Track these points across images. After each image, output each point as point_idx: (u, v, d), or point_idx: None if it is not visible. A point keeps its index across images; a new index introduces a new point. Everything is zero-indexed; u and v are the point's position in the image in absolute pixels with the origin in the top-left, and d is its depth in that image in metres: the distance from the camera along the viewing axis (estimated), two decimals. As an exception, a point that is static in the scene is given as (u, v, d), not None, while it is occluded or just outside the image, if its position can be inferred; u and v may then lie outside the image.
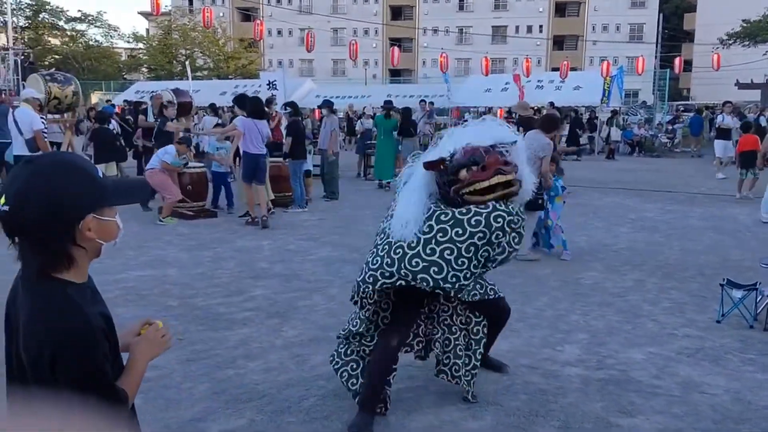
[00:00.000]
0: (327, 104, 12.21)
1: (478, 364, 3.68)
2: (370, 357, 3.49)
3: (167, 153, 9.29)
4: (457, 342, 3.69)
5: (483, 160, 3.06)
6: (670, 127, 24.25)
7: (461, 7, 55.22)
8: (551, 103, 21.66)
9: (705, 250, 7.61)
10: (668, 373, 4.08)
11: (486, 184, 3.04)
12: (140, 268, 6.55)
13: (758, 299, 5.02)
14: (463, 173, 3.10)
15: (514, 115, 23.88)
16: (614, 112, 23.07)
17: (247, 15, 53.39)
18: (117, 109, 18.58)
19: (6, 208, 1.36)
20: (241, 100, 9.82)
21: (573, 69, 25.51)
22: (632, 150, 22.63)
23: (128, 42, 48.35)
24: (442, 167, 3.15)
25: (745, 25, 30.99)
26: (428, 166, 3.17)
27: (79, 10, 61.25)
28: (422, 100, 19.66)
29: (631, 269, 6.68)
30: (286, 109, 10.98)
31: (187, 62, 21.01)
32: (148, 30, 55.44)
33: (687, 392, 3.81)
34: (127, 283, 6.01)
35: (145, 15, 59.74)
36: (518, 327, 4.88)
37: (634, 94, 39.78)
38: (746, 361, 4.28)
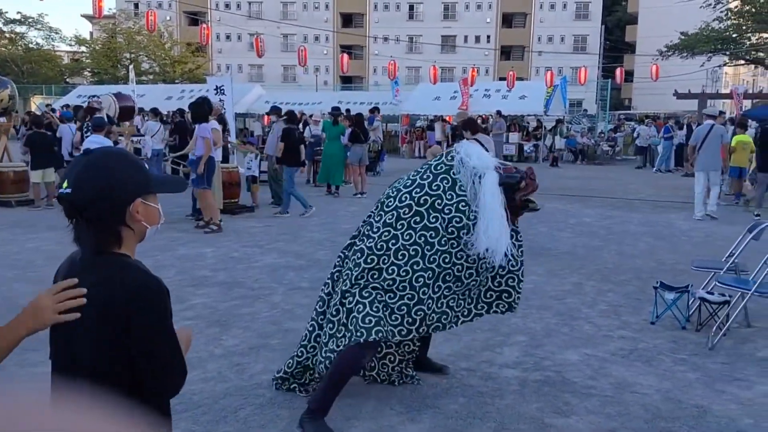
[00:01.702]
0: (275, 110, 12.16)
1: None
2: (338, 362, 3.37)
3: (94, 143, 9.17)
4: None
5: (524, 175, 3.73)
6: (612, 136, 24.97)
7: (411, 16, 55.75)
8: (498, 112, 22.07)
9: (641, 253, 7.85)
10: (602, 374, 4.18)
11: (531, 191, 3.77)
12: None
13: (690, 301, 5.20)
14: (523, 184, 3.69)
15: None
16: (558, 121, 23.64)
17: (195, 19, 52.60)
18: (57, 113, 17.97)
19: (69, 190, 1.57)
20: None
21: (519, 79, 26.03)
22: (575, 158, 23.21)
23: (70, 45, 46.99)
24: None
25: (683, 37, 32.22)
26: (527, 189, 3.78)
27: (19, 12, 59.36)
28: (374, 107, 19.79)
29: (571, 273, 6.83)
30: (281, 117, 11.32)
31: (130, 66, 20.58)
32: (91, 33, 54.01)
33: (620, 392, 3.91)
34: (61, 292, 5.80)
35: (89, 18, 58.20)
36: (459, 330, 4.90)
37: (577, 104, 40.84)
38: (678, 361, 4.42)
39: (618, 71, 25.75)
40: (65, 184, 1.58)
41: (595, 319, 5.32)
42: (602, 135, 25.83)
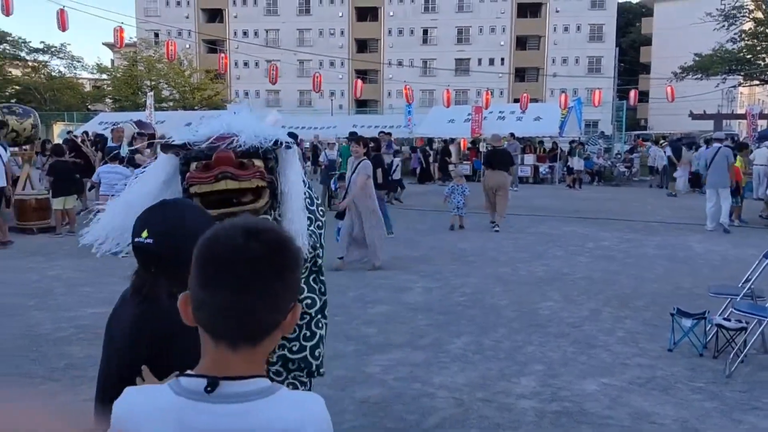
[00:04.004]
0: (291, 136, 12.32)
1: None
2: None
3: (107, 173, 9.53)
4: None
5: (210, 155, 2.22)
6: (628, 157, 24.89)
7: (425, 41, 56.25)
8: (512, 134, 22.12)
9: (659, 278, 7.79)
10: (620, 403, 4.16)
11: (207, 188, 2.20)
12: (98, 305, 6.42)
13: (707, 327, 5.16)
14: (193, 167, 2.25)
15: (484, 146, 24.31)
16: (580, 143, 23.60)
17: (213, 48, 53.48)
18: (78, 139, 18.31)
19: (150, 240, 1.61)
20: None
21: (534, 100, 26.14)
22: (592, 179, 23.13)
23: (92, 73, 47.93)
24: (179, 152, 2.36)
25: (697, 59, 32.20)
26: (164, 147, 2.42)
27: (42, 42, 60.67)
28: (381, 132, 19.92)
29: (588, 299, 6.80)
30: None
31: (147, 93, 20.97)
32: (113, 61, 55.10)
33: (638, 423, 3.88)
34: (82, 321, 5.89)
35: (110, 46, 59.43)
36: (475, 359, 4.92)
37: (593, 125, 40.78)
38: (695, 390, 4.38)
39: (633, 93, 25.75)
40: (144, 234, 1.62)
41: (612, 346, 5.29)
42: (618, 156, 25.75)
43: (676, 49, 41.19)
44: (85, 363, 4.68)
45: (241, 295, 1.05)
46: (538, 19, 55.18)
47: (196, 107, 40.75)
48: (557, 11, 53.90)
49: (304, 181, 2.50)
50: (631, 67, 56.79)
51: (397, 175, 17.11)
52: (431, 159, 23.77)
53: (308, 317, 2.60)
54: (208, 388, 1.05)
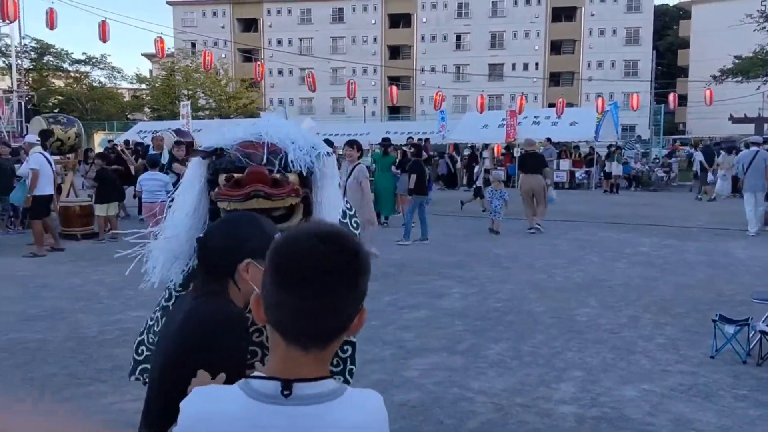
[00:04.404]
0: (327, 143, 12.45)
1: None
2: None
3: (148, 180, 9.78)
4: None
5: (243, 170, 2.07)
6: (666, 161, 24.48)
7: (458, 46, 56.22)
8: (548, 139, 21.95)
9: (699, 284, 7.66)
10: (661, 410, 4.11)
11: (238, 206, 2.04)
12: (140, 308, 6.58)
13: (750, 334, 5.07)
14: (221, 179, 2.11)
15: (516, 151, 24.16)
16: (617, 148, 23.29)
17: (249, 56, 54.29)
18: (119, 148, 18.80)
19: (200, 236, 1.78)
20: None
21: (569, 105, 25.88)
22: (629, 184, 22.81)
23: (131, 83, 49.09)
24: (214, 157, 2.18)
25: (737, 61, 31.52)
26: (196, 152, 2.26)
27: (84, 53, 62.38)
28: (410, 138, 20.00)
29: (626, 305, 6.72)
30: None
31: (181, 102, 21.39)
32: (151, 71, 56.32)
33: (679, 429, 3.84)
34: (126, 324, 6.05)
35: (149, 56, 60.77)
36: (513, 365, 4.92)
37: (630, 129, 40.21)
38: (738, 397, 4.31)
39: (671, 96, 25.32)
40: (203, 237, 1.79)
41: (652, 353, 5.23)
42: (656, 160, 25.34)
43: (714, 52, 40.34)
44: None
45: (318, 300, 1.09)
46: (573, 23, 54.69)
47: (231, 115, 41.41)
48: (592, 15, 53.36)
49: (339, 192, 2.36)
50: (669, 70, 55.81)
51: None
52: (458, 165, 23.78)
53: None
54: (285, 392, 1.09)
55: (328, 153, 2.24)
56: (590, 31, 53.99)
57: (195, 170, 2.22)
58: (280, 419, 1.09)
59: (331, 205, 2.25)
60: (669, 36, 59.35)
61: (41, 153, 10.08)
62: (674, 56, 57.05)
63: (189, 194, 2.19)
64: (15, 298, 7.15)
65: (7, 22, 18.22)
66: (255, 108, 45.00)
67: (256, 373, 1.15)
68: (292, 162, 2.09)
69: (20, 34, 21.72)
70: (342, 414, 1.11)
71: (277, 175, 2.08)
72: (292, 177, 2.11)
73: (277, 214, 2.10)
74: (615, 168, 21.65)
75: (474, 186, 17.61)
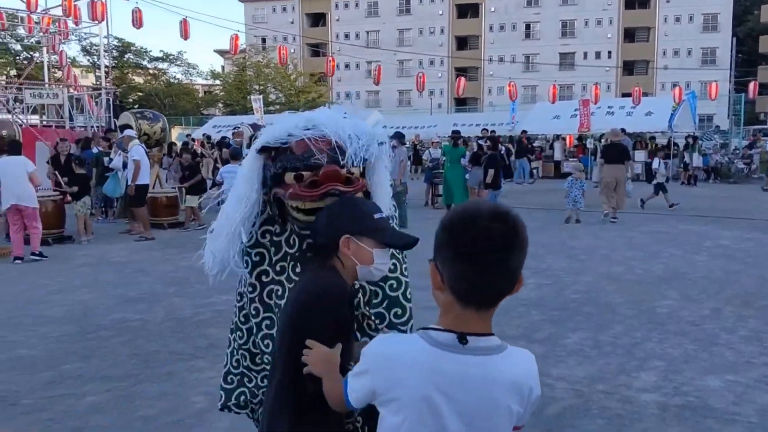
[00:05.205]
0: (398, 136, 12.64)
1: None
2: None
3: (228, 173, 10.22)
4: None
5: (318, 168, 2.09)
6: (747, 152, 23.49)
7: (528, 35, 55.34)
8: (623, 129, 21.42)
9: (786, 279, 7.45)
10: (746, 400, 4.11)
11: (313, 205, 2.09)
12: (230, 292, 6.96)
13: (842, 329, 4.95)
14: (289, 177, 2.12)
15: (589, 141, 23.67)
16: (694, 138, 22.53)
17: (316, 51, 55.10)
18: (196, 143, 19.59)
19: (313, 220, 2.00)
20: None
21: (643, 95, 25.12)
22: (708, 176, 22.04)
23: (206, 79, 50.73)
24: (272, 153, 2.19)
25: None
26: (264, 149, 2.21)
27: (161, 50, 64.82)
28: (484, 130, 19.96)
29: (708, 298, 6.63)
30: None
31: (251, 97, 22.08)
32: (223, 67, 58.01)
33: (766, 419, 3.83)
34: (217, 306, 6.42)
35: (221, 53, 62.57)
36: (592, 354, 4.98)
37: (707, 119, 38.67)
38: (829, 391, 4.25)
39: (752, 85, 24.22)
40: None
41: (736, 345, 5.18)
42: (736, 152, 24.35)
43: (802, 36, 38.26)
44: (224, 343, 5.05)
45: (495, 269, 1.29)
46: (647, 10, 52.95)
47: (300, 109, 42.07)
48: (668, 1, 51.49)
49: (388, 174, 2.41)
50: (749, 57, 53.17)
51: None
52: (513, 156, 23.55)
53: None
54: (463, 341, 1.30)
55: (382, 142, 2.28)
56: (665, 18, 52.14)
57: (252, 164, 2.21)
58: (455, 365, 1.30)
59: (382, 188, 2.33)
60: (749, 21, 56.48)
61: (141, 146, 10.77)
62: (755, 43, 54.24)
63: (245, 187, 2.21)
64: (114, 282, 7.68)
65: (96, 22, 19.26)
66: (324, 102, 45.66)
67: (432, 326, 1.35)
68: (354, 156, 2.13)
69: (108, 33, 22.83)
70: (505, 367, 1.32)
71: (349, 173, 2.11)
72: (356, 171, 2.14)
73: None
74: (695, 159, 20.96)
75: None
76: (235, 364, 2.41)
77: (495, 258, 1.28)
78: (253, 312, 2.28)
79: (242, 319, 2.36)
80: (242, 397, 2.40)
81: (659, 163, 15.28)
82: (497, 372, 1.31)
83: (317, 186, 2.06)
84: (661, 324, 5.76)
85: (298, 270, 2.20)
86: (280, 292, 2.22)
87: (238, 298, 2.36)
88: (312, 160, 2.07)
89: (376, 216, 1.92)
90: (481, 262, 1.28)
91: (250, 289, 2.27)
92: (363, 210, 1.93)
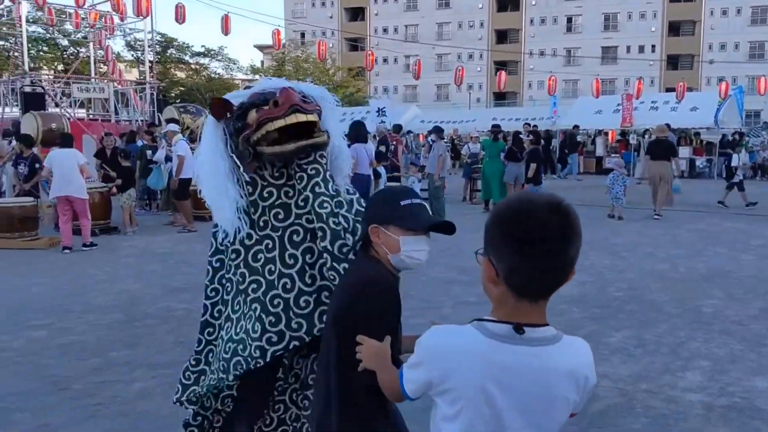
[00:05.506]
0: (437, 130, 12.63)
1: None
2: None
3: None
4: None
5: (274, 96, 2.26)
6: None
7: (569, 29, 54.50)
8: (667, 125, 20.96)
9: (839, 279, 7.21)
10: (797, 403, 4.00)
11: (281, 123, 2.21)
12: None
13: None
14: (252, 114, 2.27)
15: (632, 137, 23.25)
16: (741, 135, 21.92)
17: (354, 45, 55.20)
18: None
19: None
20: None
21: (688, 90, 24.52)
22: (754, 174, 21.42)
23: (246, 74, 51.28)
24: (228, 113, 2.36)
25: None
26: (215, 110, 2.39)
27: (203, 46, 65.72)
28: (526, 124, 19.73)
29: (756, 297, 6.47)
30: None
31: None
32: (263, 62, 58.58)
33: (818, 424, 3.73)
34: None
35: (260, 48, 63.19)
36: (636, 353, 4.91)
37: (755, 115, 37.56)
38: None
39: (804, 79, 23.44)
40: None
41: (786, 346, 5.04)
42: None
43: None
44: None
45: (551, 261, 1.28)
46: (693, 3, 51.59)
47: (338, 104, 42.33)
48: (714, -6, 50.11)
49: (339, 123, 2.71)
50: (802, 50, 51.42)
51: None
52: (567, 150, 23.22)
53: None
54: (520, 331, 1.30)
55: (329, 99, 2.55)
56: (711, 11, 50.75)
57: (211, 131, 2.40)
58: (512, 356, 1.30)
59: (338, 139, 2.52)
60: (802, 13, 54.62)
61: (185, 140, 10.96)
62: (808, 35, 52.48)
63: (210, 154, 2.36)
64: (158, 272, 7.86)
65: (141, 17, 19.67)
66: (361, 97, 45.78)
67: (487, 317, 1.35)
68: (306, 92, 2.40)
69: (152, 28, 23.28)
70: (561, 357, 1.33)
71: (304, 100, 2.31)
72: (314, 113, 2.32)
73: (321, 139, 2.29)
74: (743, 156, 20.38)
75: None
76: (194, 363, 2.59)
77: (553, 250, 1.27)
78: (239, 278, 2.37)
79: (216, 315, 2.53)
80: (192, 395, 2.60)
81: (738, 159, 14.88)
82: (553, 362, 1.32)
83: (279, 106, 2.22)
84: (707, 323, 5.64)
85: (281, 217, 2.32)
86: (270, 245, 2.33)
87: (212, 294, 2.51)
88: (268, 94, 2.28)
89: (403, 203, 1.92)
90: (539, 255, 1.26)
91: (233, 255, 2.38)
92: (389, 198, 1.96)
